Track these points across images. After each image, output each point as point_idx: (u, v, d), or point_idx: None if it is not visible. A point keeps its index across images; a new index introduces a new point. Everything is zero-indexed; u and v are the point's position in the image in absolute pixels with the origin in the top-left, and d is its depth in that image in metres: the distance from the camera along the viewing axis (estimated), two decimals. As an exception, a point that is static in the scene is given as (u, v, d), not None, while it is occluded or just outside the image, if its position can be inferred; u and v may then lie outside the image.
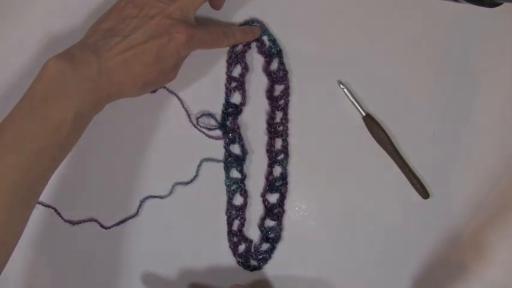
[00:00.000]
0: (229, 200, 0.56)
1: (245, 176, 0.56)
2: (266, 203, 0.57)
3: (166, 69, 0.49)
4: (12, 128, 0.44)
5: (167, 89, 0.55)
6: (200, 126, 0.55)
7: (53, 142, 0.44)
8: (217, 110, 0.56)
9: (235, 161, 0.56)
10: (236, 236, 0.56)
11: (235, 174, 0.56)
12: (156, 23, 0.48)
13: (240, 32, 0.53)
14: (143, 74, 0.47)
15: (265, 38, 0.55)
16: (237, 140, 0.56)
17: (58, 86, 0.44)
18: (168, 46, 0.47)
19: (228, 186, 0.56)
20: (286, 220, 0.57)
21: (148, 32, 0.47)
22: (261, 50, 0.55)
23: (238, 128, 0.56)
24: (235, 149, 0.56)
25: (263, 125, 0.56)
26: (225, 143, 0.56)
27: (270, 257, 0.57)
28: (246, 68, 0.56)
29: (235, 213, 0.56)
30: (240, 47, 0.55)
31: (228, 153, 0.56)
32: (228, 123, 0.56)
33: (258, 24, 0.55)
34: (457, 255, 0.58)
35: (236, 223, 0.56)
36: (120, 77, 0.46)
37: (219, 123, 0.56)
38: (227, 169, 0.56)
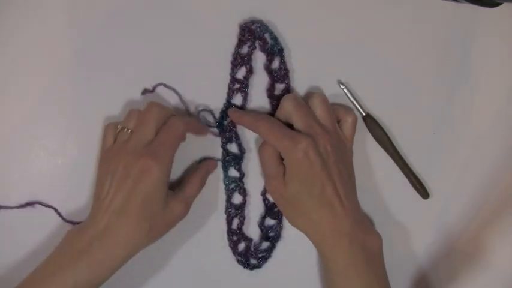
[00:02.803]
0: (228, 198, 0.56)
1: (243, 175, 0.56)
2: (266, 202, 0.57)
3: (159, 202, 0.49)
4: None
5: (165, 85, 0.55)
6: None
7: None
8: (216, 111, 0.56)
9: (233, 160, 0.56)
10: (236, 235, 0.56)
11: (233, 173, 0.56)
12: (122, 165, 0.49)
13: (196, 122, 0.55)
14: (140, 220, 0.48)
15: (267, 36, 0.55)
16: (234, 138, 0.56)
17: (61, 259, 0.48)
18: (141, 179, 0.48)
19: (226, 185, 0.56)
20: (287, 219, 0.57)
21: (119, 178, 0.48)
22: (263, 48, 0.55)
23: (235, 126, 0.56)
24: (233, 148, 0.56)
25: (264, 124, 0.56)
26: (222, 142, 0.56)
27: (269, 256, 0.57)
28: (250, 71, 0.56)
29: (235, 211, 0.56)
30: (245, 49, 0.55)
31: (226, 152, 0.56)
32: (225, 122, 0.56)
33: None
34: (457, 255, 0.58)
35: (236, 222, 0.56)
36: (121, 233, 0.48)
37: (217, 121, 0.56)
38: (225, 168, 0.56)
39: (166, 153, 0.49)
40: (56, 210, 0.56)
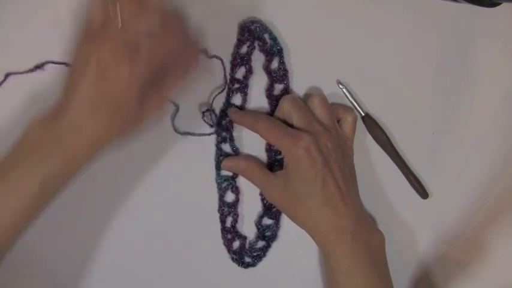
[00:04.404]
0: (221, 197, 0.56)
1: (237, 174, 0.56)
2: (265, 201, 0.57)
3: (132, 103, 0.45)
4: None
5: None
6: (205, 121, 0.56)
7: (20, 206, 0.44)
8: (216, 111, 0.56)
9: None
10: (230, 233, 0.56)
11: (226, 172, 0.56)
12: (95, 59, 0.44)
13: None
14: (110, 120, 0.45)
15: (266, 36, 0.55)
16: (228, 140, 0.56)
17: (29, 153, 0.44)
18: (114, 81, 0.44)
19: (218, 183, 0.56)
20: (285, 220, 0.57)
21: (92, 76, 0.44)
22: (263, 48, 0.55)
23: (232, 127, 0.56)
24: (227, 148, 0.56)
25: (262, 124, 0.56)
26: (217, 141, 0.56)
27: (264, 255, 0.57)
28: (250, 71, 0.56)
29: (228, 210, 0.56)
30: (245, 49, 0.55)
31: (220, 152, 0.56)
32: (223, 122, 0.56)
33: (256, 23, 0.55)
34: (456, 255, 0.58)
35: (229, 220, 0.56)
36: (91, 131, 0.44)
37: (216, 121, 0.56)
38: (218, 167, 0.56)
39: (149, 57, 0.44)
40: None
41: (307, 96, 0.55)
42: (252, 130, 0.53)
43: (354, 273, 0.49)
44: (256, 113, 0.55)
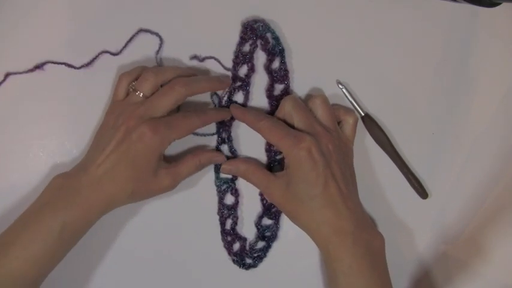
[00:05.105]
0: (220, 199, 0.56)
1: (236, 176, 0.56)
2: (264, 202, 0.57)
3: (147, 170, 0.50)
4: (5, 236, 0.48)
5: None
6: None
7: (41, 250, 0.47)
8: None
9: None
10: (230, 235, 0.56)
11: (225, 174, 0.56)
12: (124, 127, 0.49)
13: (214, 111, 0.54)
14: (126, 181, 0.49)
15: (268, 36, 0.55)
16: (227, 140, 0.56)
17: (50, 199, 0.48)
18: (136, 145, 0.48)
19: (218, 186, 0.56)
20: (284, 220, 0.57)
21: (118, 138, 0.49)
22: (265, 48, 0.55)
23: (230, 126, 0.56)
24: (225, 149, 0.56)
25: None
26: (217, 142, 0.56)
27: (265, 256, 0.57)
28: (252, 69, 0.56)
29: (227, 212, 0.56)
30: (247, 47, 0.55)
31: None
32: (225, 120, 0.56)
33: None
34: (456, 255, 0.58)
35: (229, 222, 0.56)
36: (108, 188, 0.49)
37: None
38: (217, 169, 0.56)
39: (169, 133, 0.49)
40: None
41: (309, 97, 0.55)
42: (253, 128, 0.53)
43: (355, 274, 0.49)
44: (258, 111, 0.55)
